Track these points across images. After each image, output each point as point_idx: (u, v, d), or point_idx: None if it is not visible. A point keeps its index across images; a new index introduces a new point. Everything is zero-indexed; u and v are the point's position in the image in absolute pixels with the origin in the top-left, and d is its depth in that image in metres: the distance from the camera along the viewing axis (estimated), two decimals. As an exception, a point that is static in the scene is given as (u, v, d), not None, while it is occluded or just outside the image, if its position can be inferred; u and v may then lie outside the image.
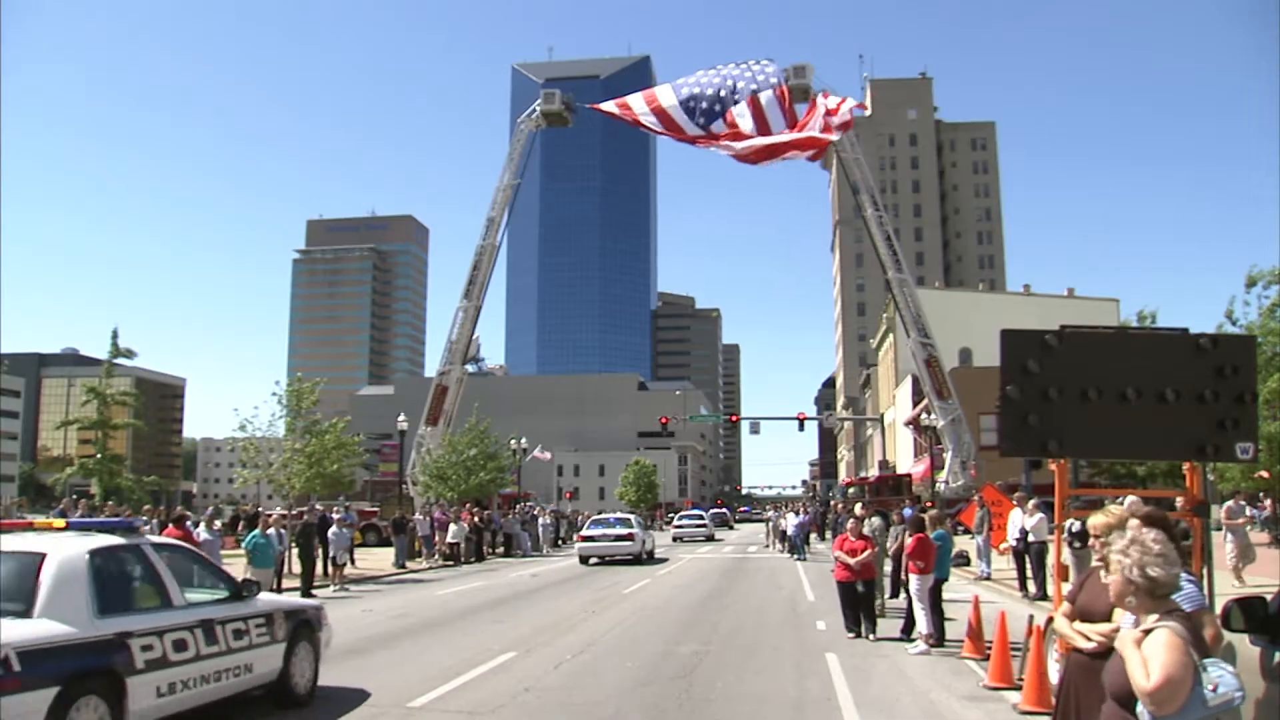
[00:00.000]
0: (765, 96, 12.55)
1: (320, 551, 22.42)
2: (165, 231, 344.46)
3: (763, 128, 12.43)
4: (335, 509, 26.42)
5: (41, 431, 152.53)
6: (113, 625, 6.73)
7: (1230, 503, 18.98)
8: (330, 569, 22.39)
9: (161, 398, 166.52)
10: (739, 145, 12.52)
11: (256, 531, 18.45)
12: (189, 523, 18.29)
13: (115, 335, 42.68)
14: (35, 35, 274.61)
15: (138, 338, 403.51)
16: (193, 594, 7.92)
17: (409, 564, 28.62)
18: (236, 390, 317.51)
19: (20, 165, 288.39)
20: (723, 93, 12.90)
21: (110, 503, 32.25)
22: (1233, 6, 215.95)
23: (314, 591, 20.35)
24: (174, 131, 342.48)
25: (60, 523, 8.62)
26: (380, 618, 16.07)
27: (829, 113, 12.81)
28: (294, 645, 8.81)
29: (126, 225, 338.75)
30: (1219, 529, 18.39)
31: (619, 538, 29.89)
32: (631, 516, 34.62)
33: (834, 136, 13.37)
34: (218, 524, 19.66)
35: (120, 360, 44.15)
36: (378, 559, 30.11)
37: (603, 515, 36.75)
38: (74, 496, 34.46)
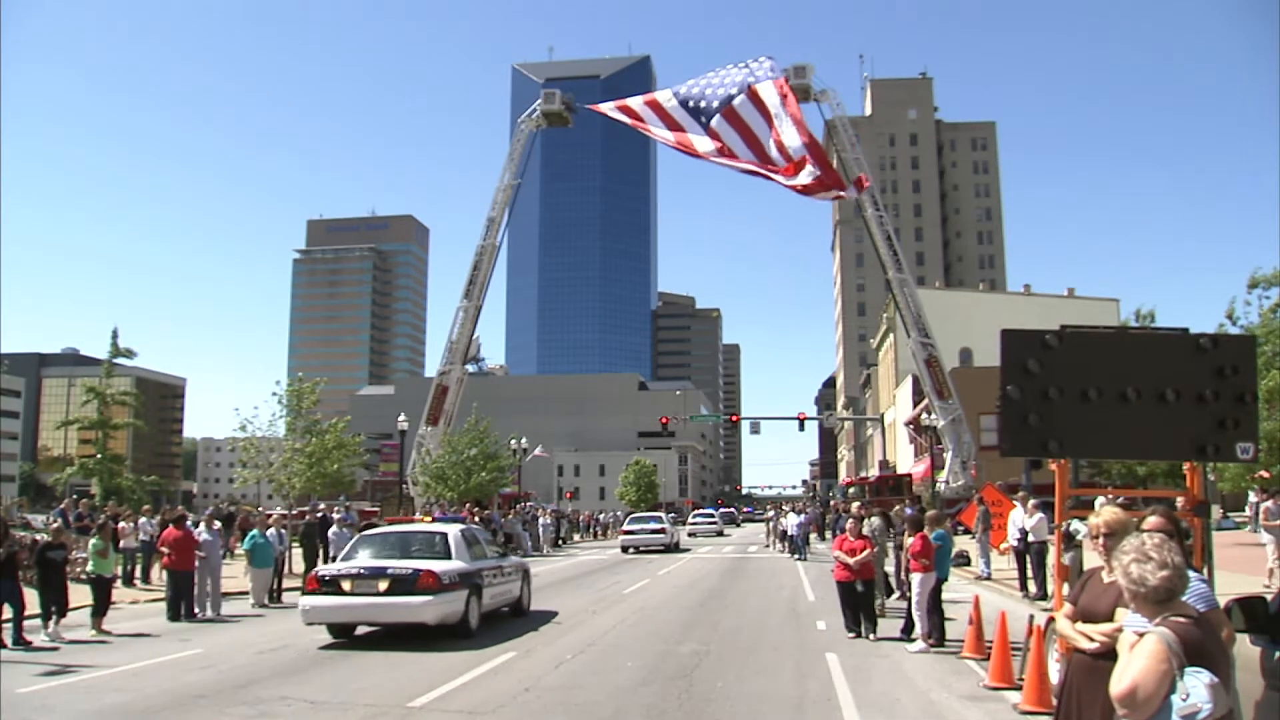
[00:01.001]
0: (765, 88, 12.34)
1: (321, 551, 22.39)
2: (165, 231, 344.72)
3: (766, 116, 12.20)
4: (336, 509, 26.41)
5: (42, 431, 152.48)
6: (476, 565, 13.85)
7: (1270, 503, 17.58)
8: (330, 569, 22.37)
9: (161, 398, 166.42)
10: (750, 164, 12.23)
11: (256, 531, 18.46)
12: (188, 522, 18.25)
13: (115, 335, 42.77)
14: (35, 35, 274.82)
15: (138, 338, 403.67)
16: (488, 551, 15.12)
17: (409, 564, 28.58)
18: (236, 390, 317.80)
19: (20, 165, 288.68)
20: (720, 90, 12.70)
21: (110, 502, 32.26)
22: (1233, 6, 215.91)
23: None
24: (174, 131, 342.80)
25: (428, 517, 22.23)
26: (380, 618, 16.05)
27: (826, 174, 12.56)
28: (523, 582, 16.03)
29: (126, 225, 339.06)
30: (1230, 529, 17.93)
31: (653, 531, 37.74)
32: (662, 515, 44.01)
33: (848, 192, 13.18)
34: (217, 524, 19.63)
35: (120, 360, 44.22)
36: (378, 559, 30.05)
37: (640, 514, 46.53)
38: (74, 496, 34.49)
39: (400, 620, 12.87)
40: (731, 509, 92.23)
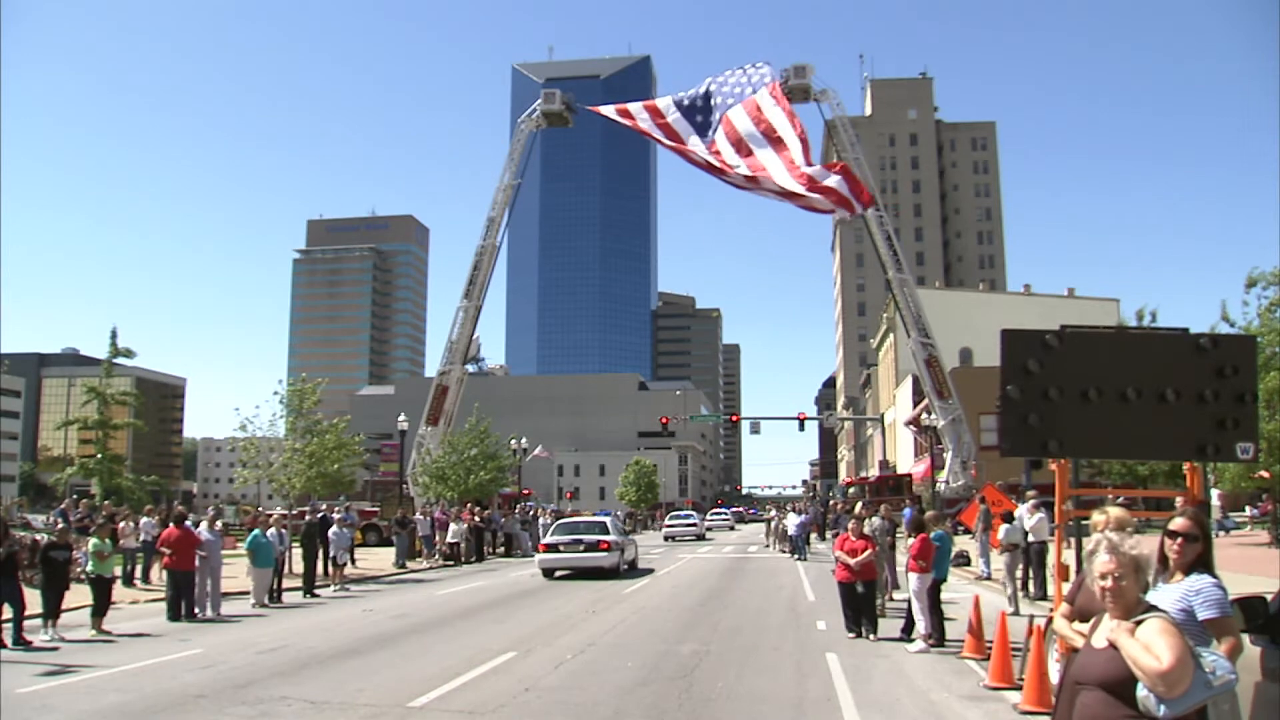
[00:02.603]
0: (761, 97, 12.27)
1: (321, 551, 22.40)
2: (165, 231, 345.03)
3: (765, 129, 12.11)
4: (336, 509, 26.41)
5: (42, 431, 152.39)
6: (619, 538, 25.22)
7: None
8: (330, 569, 22.37)
9: (161, 398, 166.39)
10: (747, 173, 12.08)
11: (257, 531, 18.46)
12: (188, 521, 18.24)
13: (115, 335, 42.74)
14: (35, 35, 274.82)
15: (138, 338, 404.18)
16: (621, 532, 26.95)
17: (409, 564, 28.62)
18: (236, 390, 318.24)
19: (20, 165, 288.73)
20: (716, 99, 12.63)
21: (108, 502, 32.26)
22: (1233, 6, 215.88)
23: (316, 591, 20.36)
24: (174, 131, 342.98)
25: (589, 513, 38.70)
26: (380, 618, 16.07)
27: (850, 184, 12.32)
28: (635, 550, 27.05)
29: (126, 225, 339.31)
30: (1231, 528, 17.74)
31: (689, 525, 49.99)
32: (693, 512, 60.01)
33: (854, 212, 13.04)
34: (219, 524, 19.63)
35: (120, 360, 44.17)
36: (378, 559, 30.11)
37: (678, 512, 60.19)
38: (74, 496, 34.51)
39: (591, 565, 23.37)
40: (740, 509, 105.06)
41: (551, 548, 23.99)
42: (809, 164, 12.02)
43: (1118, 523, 4.78)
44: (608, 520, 27.31)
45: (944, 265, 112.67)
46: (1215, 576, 4.50)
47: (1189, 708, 3.25)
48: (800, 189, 11.82)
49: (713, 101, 12.70)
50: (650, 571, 25.45)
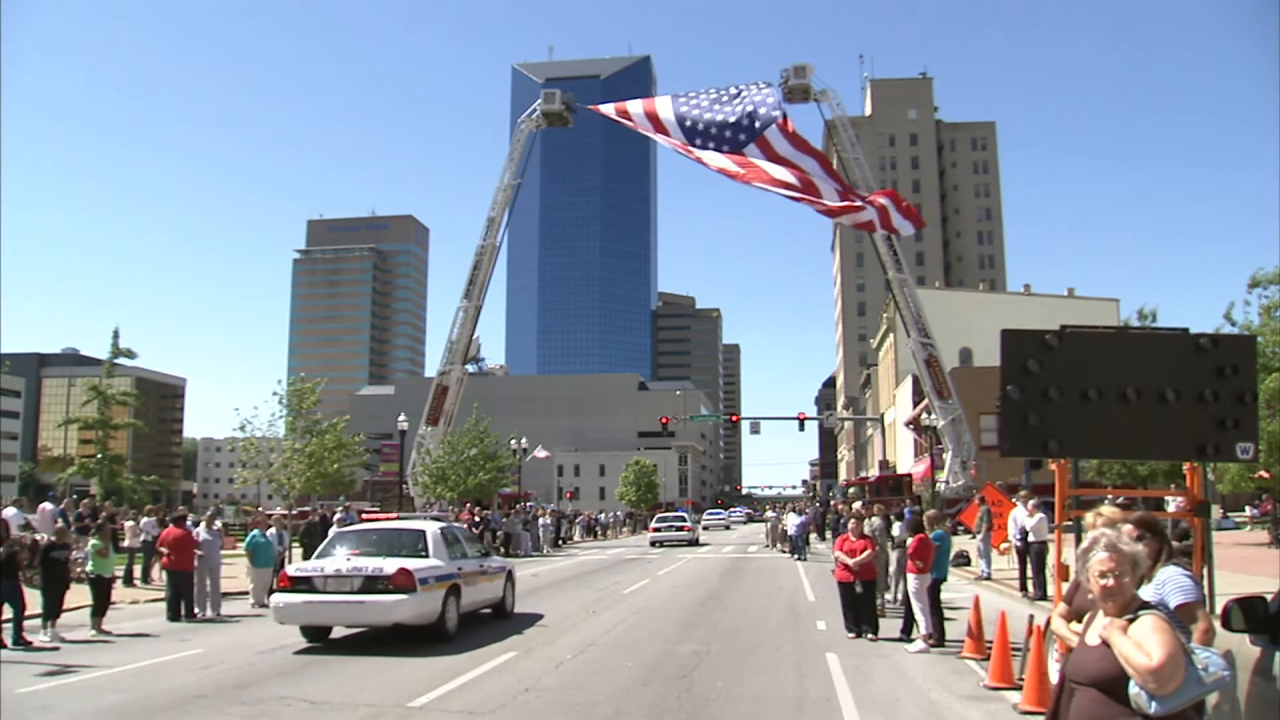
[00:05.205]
0: (772, 133, 12.04)
1: (320, 551, 22.34)
2: (165, 231, 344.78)
3: (777, 159, 11.92)
4: (336, 509, 26.42)
5: (42, 431, 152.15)
6: (693, 523, 43.41)
7: None
8: (330, 569, 22.29)
9: (161, 398, 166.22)
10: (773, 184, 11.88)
11: (257, 531, 18.45)
12: (188, 522, 18.25)
13: (116, 335, 42.76)
14: (35, 35, 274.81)
15: (138, 338, 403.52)
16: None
17: (409, 564, 28.59)
18: (236, 390, 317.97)
19: (20, 165, 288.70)
20: (727, 132, 12.36)
21: (108, 503, 32.26)
22: (1233, 6, 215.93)
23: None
24: (174, 131, 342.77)
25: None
26: (380, 618, 15.92)
27: (885, 209, 12.08)
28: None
29: (126, 225, 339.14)
30: (1230, 529, 17.81)
31: (719, 519, 70.16)
32: (721, 510, 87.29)
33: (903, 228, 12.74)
34: (218, 524, 19.62)
35: (120, 360, 44.20)
36: (378, 559, 30.01)
37: (711, 510, 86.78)
38: (74, 496, 34.47)
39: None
40: (749, 509, 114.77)
41: (657, 529, 38.77)
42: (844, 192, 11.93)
43: (1111, 521, 4.79)
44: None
45: (944, 265, 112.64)
46: (1183, 567, 4.56)
47: (1181, 705, 3.25)
48: (851, 203, 11.68)
49: (712, 119, 12.41)
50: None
